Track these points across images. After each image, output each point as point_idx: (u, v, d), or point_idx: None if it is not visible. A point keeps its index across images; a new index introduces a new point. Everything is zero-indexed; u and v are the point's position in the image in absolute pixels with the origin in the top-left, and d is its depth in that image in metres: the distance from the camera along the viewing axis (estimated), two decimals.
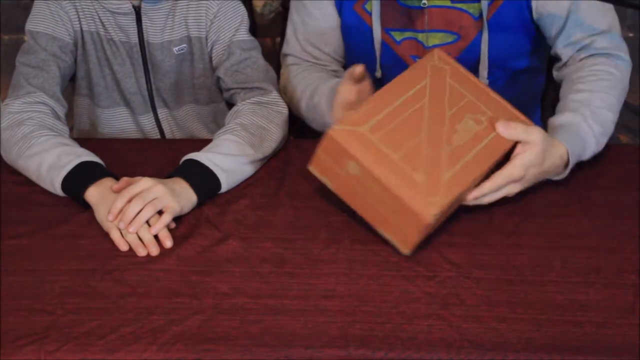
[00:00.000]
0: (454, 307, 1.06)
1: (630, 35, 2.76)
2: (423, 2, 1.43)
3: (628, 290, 1.09)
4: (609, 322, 1.03)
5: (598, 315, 1.04)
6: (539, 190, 1.28)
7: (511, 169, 1.17)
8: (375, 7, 1.46)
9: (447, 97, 1.21)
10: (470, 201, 1.18)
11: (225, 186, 1.30)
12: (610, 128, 1.33)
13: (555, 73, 1.47)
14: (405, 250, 1.13)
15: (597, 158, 1.36)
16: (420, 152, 1.13)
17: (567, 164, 1.25)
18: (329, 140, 1.12)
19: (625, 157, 1.40)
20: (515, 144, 1.19)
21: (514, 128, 1.18)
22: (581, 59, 1.40)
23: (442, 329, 1.02)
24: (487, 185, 1.17)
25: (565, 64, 1.44)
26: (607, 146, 1.38)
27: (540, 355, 0.98)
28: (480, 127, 1.19)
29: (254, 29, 1.61)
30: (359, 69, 1.24)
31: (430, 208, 1.08)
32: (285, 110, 1.44)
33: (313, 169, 1.18)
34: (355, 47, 1.52)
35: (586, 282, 1.10)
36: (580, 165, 1.34)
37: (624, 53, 1.40)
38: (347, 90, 1.28)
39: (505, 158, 1.19)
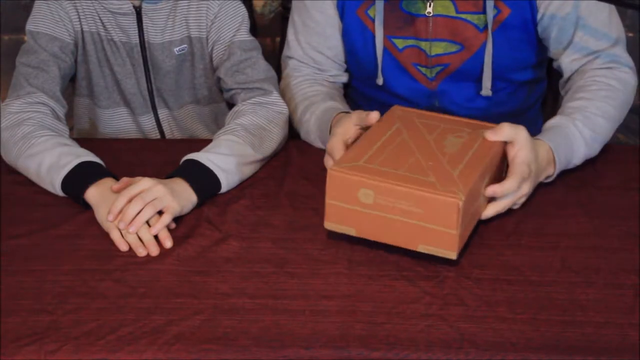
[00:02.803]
0: (453, 307, 1.06)
1: (630, 35, 2.75)
2: (428, 10, 1.42)
3: (628, 290, 1.09)
4: (609, 322, 1.03)
5: (598, 315, 1.04)
6: (539, 190, 1.28)
7: (517, 169, 1.17)
8: (378, 13, 1.45)
9: (422, 130, 1.23)
10: (488, 212, 1.18)
11: (225, 186, 1.30)
12: (604, 134, 1.33)
13: (561, 90, 1.47)
14: (452, 252, 1.10)
15: (597, 158, 1.37)
16: (421, 164, 1.13)
17: (554, 163, 1.26)
18: (332, 179, 1.11)
19: (625, 157, 1.40)
20: (503, 154, 1.20)
21: (502, 129, 1.19)
22: (584, 69, 1.41)
23: (441, 329, 1.02)
24: (507, 184, 1.16)
25: (569, 78, 1.44)
26: (607, 146, 1.38)
27: (540, 355, 0.98)
28: (464, 139, 1.20)
29: (254, 29, 1.61)
30: (374, 115, 1.24)
31: (456, 194, 1.07)
32: (285, 111, 1.44)
33: (329, 223, 1.15)
34: (356, 52, 1.51)
35: (586, 282, 1.10)
36: (581, 166, 1.34)
37: (628, 67, 1.41)
38: (350, 128, 1.27)
39: (498, 174, 1.21)
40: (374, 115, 1.24)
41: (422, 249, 1.11)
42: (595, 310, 1.05)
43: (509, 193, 1.18)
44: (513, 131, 1.19)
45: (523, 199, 1.22)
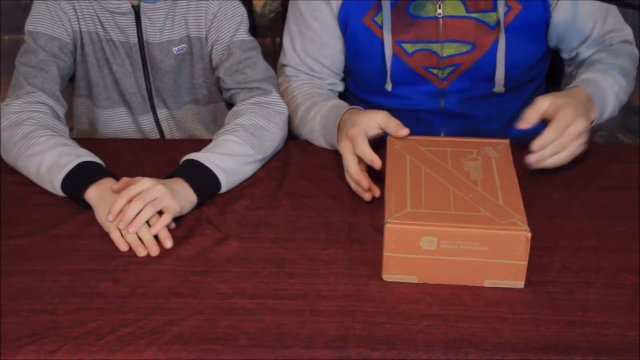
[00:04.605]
0: (453, 307, 1.06)
1: None
2: (438, 12, 1.42)
3: (628, 290, 1.09)
4: (609, 322, 1.03)
5: (598, 315, 1.04)
6: (540, 190, 1.28)
7: (561, 113, 1.23)
8: (386, 20, 1.44)
9: (435, 159, 1.23)
10: (535, 159, 1.23)
11: (225, 186, 1.30)
12: (623, 93, 1.42)
13: (571, 68, 1.54)
14: (520, 282, 1.09)
15: (597, 158, 1.37)
16: (463, 198, 1.13)
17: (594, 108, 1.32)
18: (391, 232, 1.08)
19: (625, 157, 1.40)
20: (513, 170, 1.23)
21: (532, 112, 1.25)
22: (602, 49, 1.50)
23: (441, 329, 1.02)
24: (549, 134, 1.22)
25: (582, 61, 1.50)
26: (607, 146, 1.38)
27: (539, 355, 0.98)
28: (479, 161, 1.22)
29: (253, 29, 1.61)
30: (405, 132, 1.27)
31: (520, 226, 1.07)
32: (285, 111, 1.44)
33: (388, 275, 1.11)
34: (364, 60, 1.50)
35: (586, 282, 1.10)
36: (581, 165, 1.34)
37: (637, 49, 1.52)
38: (371, 124, 1.29)
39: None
40: (405, 132, 1.27)
41: (488, 283, 1.09)
42: (595, 310, 1.05)
43: (553, 141, 1.22)
44: (538, 106, 1.25)
45: (581, 138, 1.25)
